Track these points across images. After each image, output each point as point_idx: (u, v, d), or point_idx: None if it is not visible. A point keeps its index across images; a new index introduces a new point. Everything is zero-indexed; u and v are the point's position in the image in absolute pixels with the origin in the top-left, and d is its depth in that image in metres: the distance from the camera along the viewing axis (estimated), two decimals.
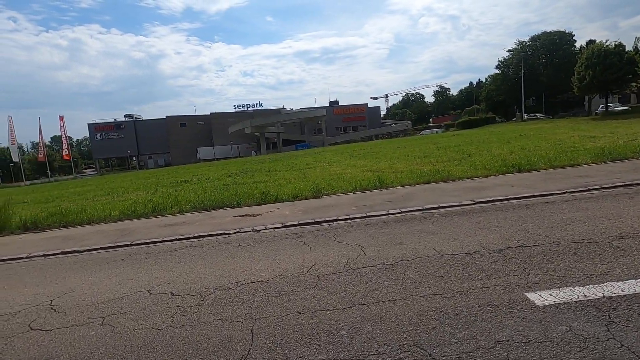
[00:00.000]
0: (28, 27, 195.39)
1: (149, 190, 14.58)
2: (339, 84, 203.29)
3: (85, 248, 5.99)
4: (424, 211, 5.94)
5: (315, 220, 6.02)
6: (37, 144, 66.17)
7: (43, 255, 5.90)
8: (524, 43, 63.99)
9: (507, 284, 2.97)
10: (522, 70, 57.24)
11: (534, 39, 63.03)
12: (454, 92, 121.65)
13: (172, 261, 4.77)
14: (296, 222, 6.05)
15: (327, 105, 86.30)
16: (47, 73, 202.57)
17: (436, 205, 6.14)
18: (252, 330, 2.69)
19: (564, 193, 6.16)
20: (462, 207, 5.96)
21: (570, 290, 2.76)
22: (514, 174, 8.55)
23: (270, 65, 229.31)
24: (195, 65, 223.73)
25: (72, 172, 67.02)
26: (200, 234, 6.02)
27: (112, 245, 6.00)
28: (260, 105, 75.76)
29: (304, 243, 4.87)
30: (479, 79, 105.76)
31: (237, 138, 68.97)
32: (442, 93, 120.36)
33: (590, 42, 50.90)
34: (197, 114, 77.23)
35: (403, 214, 5.90)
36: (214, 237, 5.79)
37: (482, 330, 2.38)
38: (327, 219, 6.05)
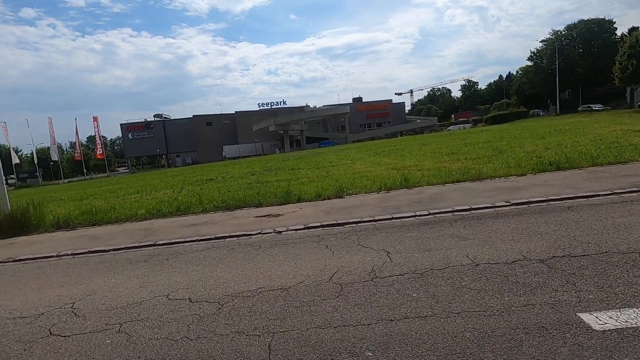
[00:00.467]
0: (66, 32, 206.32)
1: (175, 188, 14.84)
2: (362, 80, 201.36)
3: (111, 248, 6.06)
4: (454, 213, 5.58)
5: (339, 222, 5.79)
6: (75, 143, 69.72)
7: (71, 255, 6.01)
8: (558, 33, 60.81)
9: (556, 302, 2.61)
10: (557, 62, 54.31)
11: (569, 27, 59.74)
12: (482, 85, 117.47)
13: (193, 263, 4.69)
14: (319, 224, 5.84)
15: (351, 101, 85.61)
16: (83, 76, 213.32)
17: (467, 207, 5.75)
18: (269, 346, 2.51)
19: (611, 194, 5.61)
20: (496, 209, 5.55)
21: (635, 312, 2.37)
22: (552, 172, 7.95)
23: (293, 63, 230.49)
24: (221, 65, 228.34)
25: (106, 171, 70.20)
26: (222, 235, 5.94)
27: (136, 245, 6.03)
28: (284, 103, 76.26)
29: (327, 247, 4.65)
30: (509, 72, 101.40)
31: (261, 136, 69.70)
32: (469, 87, 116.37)
33: (633, 30, 47.57)
34: (222, 112, 78.71)
35: (431, 216, 5.57)
36: (235, 239, 5.69)
37: (529, 358, 2.07)
38: (351, 220, 5.81)
